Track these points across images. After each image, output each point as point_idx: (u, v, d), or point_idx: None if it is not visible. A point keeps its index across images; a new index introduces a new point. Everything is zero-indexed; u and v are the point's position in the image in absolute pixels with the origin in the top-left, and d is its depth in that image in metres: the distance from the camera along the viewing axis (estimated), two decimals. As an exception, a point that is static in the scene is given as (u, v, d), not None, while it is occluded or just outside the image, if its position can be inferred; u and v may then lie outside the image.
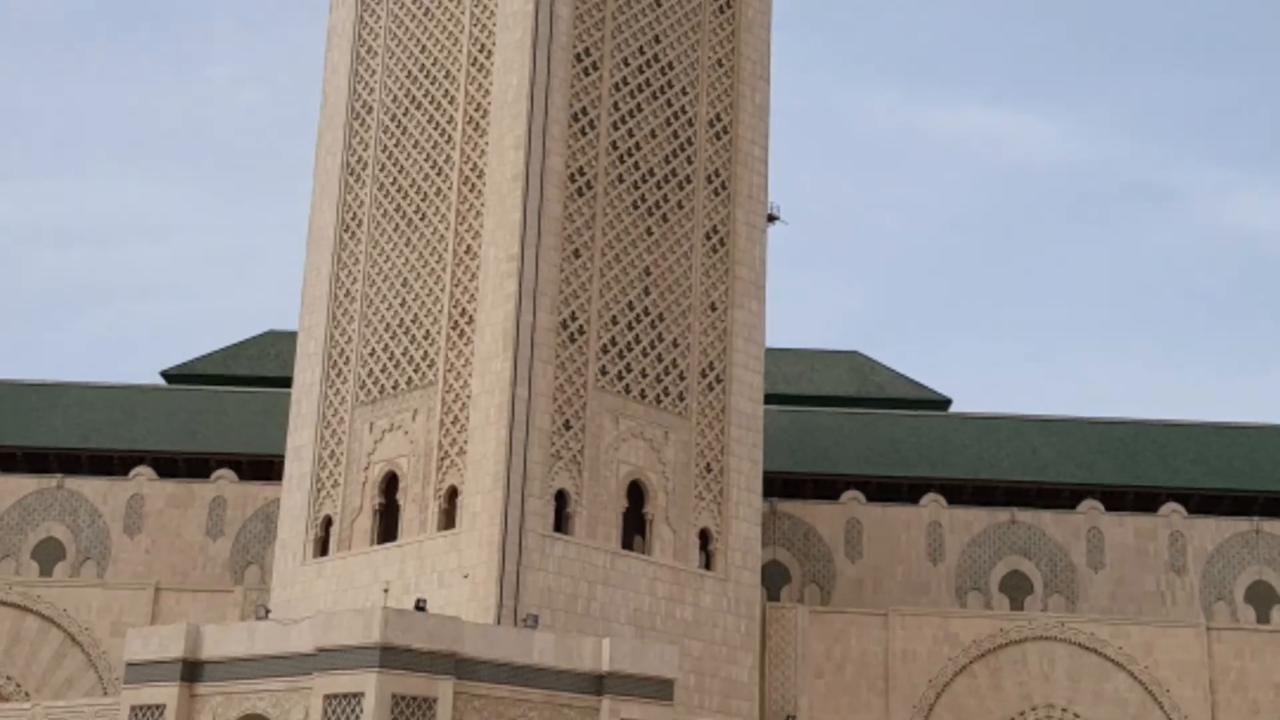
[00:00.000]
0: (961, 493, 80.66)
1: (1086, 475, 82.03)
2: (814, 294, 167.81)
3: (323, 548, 67.06)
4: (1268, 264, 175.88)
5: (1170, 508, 79.74)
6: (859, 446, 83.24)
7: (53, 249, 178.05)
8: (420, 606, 42.32)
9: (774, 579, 76.99)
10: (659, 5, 71.37)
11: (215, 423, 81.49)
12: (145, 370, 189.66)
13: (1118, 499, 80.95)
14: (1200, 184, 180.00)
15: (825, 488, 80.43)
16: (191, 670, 45.37)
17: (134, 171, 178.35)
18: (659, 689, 44.76)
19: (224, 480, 77.56)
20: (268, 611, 49.85)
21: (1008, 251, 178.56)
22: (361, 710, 40.01)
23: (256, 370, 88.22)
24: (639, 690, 44.33)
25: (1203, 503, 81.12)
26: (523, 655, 42.91)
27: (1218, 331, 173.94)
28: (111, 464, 79.22)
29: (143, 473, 77.69)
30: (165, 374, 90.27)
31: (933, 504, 79.29)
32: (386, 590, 46.84)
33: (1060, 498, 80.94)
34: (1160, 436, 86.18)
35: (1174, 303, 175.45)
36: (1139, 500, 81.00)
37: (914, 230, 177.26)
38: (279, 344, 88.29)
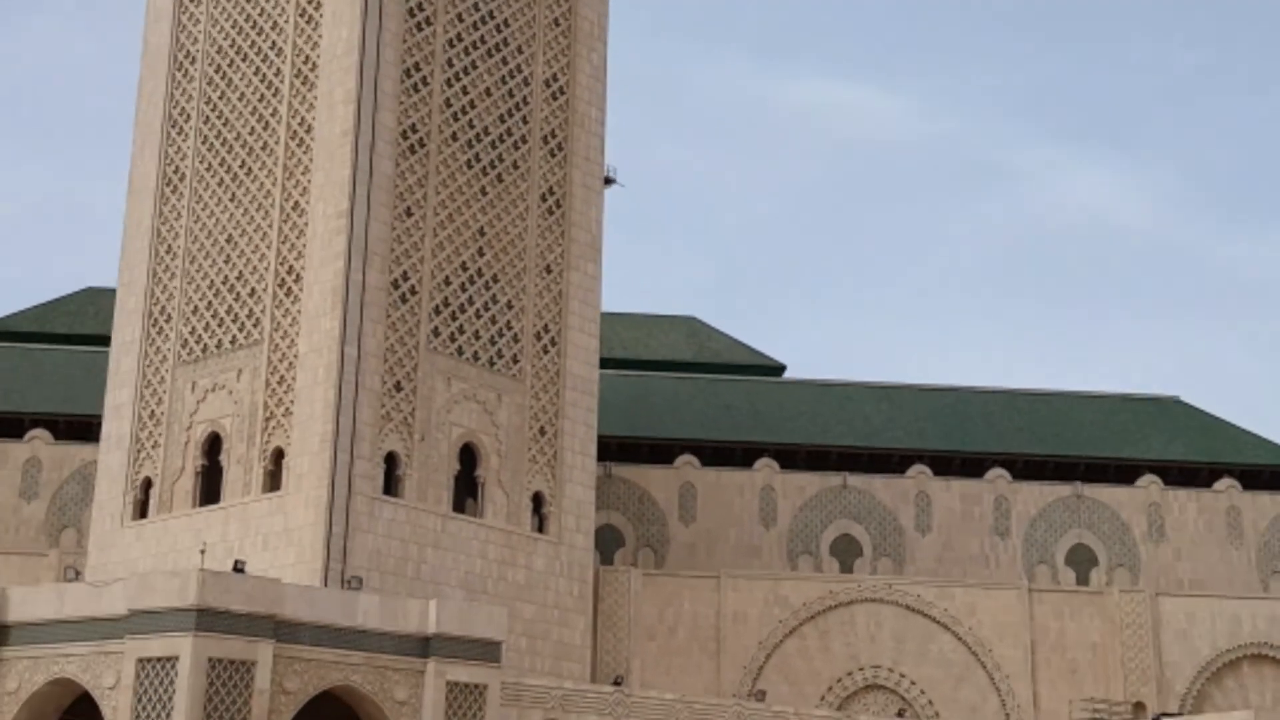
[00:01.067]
0: (795, 458, 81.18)
1: (916, 441, 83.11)
2: (652, 260, 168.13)
3: (142, 510, 65.04)
4: (1096, 239, 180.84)
5: (995, 473, 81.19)
6: (694, 411, 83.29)
7: None
8: (239, 568, 41.00)
9: (608, 542, 76.72)
10: (496, -39, 70.10)
11: (30, 381, 78.48)
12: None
13: (945, 464, 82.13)
14: (1032, 161, 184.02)
15: (660, 452, 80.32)
16: (-3, 633, 43.35)
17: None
18: (486, 651, 44.00)
19: (38, 440, 74.78)
20: (78, 573, 48.03)
21: (846, 225, 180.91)
22: (176, 674, 38.59)
23: (75, 328, 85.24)
24: (466, 652, 43.53)
25: (1027, 468, 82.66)
26: (346, 617, 41.82)
27: (1045, 303, 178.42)
28: (-81, 424, 75.84)
29: (-49, 433, 74.52)
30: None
31: (766, 468, 79.71)
32: (204, 551, 45.28)
33: (890, 463, 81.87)
34: (987, 404, 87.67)
35: (1004, 276, 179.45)
36: (966, 465, 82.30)
37: (754, 201, 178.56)
38: (99, 300, 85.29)
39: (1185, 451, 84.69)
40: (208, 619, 39.08)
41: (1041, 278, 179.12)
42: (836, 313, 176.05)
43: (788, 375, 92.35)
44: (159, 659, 38.99)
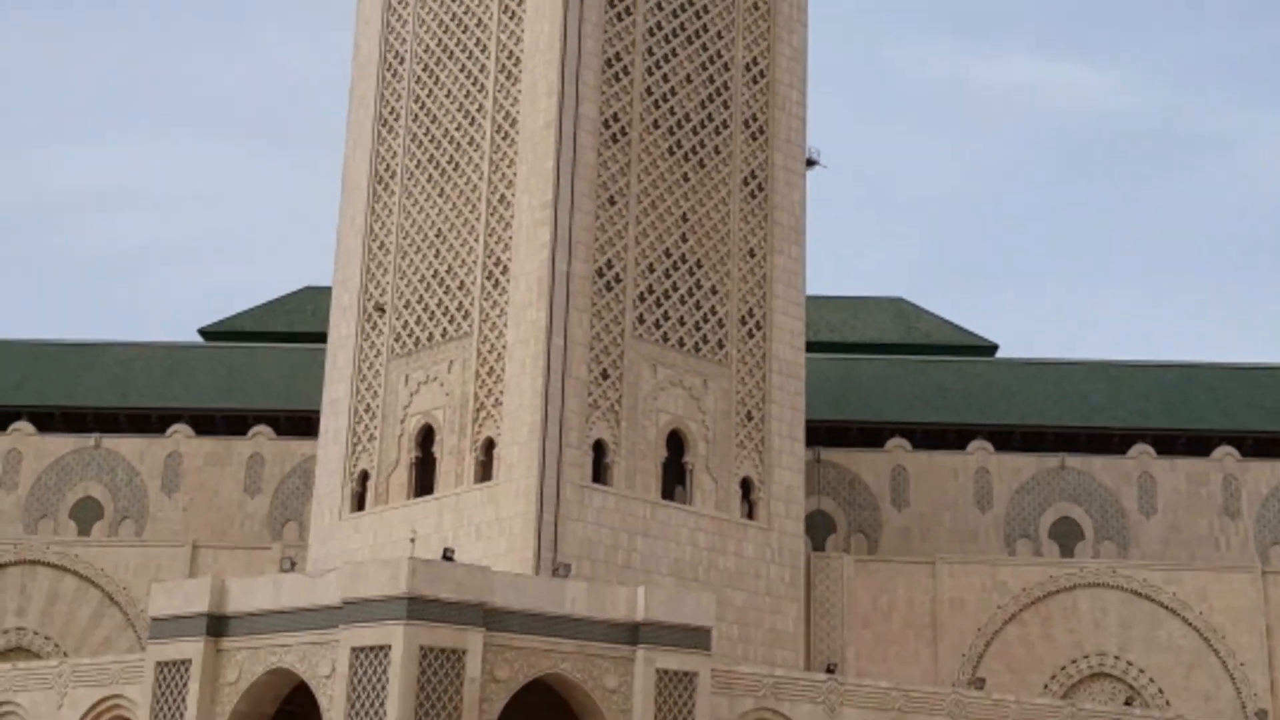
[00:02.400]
0: (1009, 439, 79.13)
1: (1137, 419, 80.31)
2: (858, 242, 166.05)
3: (359, 502, 66.47)
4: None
5: (1223, 451, 77.99)
6: (904, 393, 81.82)
7: (98, 215, 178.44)
8: (448, 556, 41.41)
9: (819, 528, 75.85)
10: (692, -53, 69.73)
11: (252, 379, 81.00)
12: (188, 332, 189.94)
13: (1169, 443, 79.08)
14: (1250, 131, 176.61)
15: (870, 436, 79.10)
16: (216, 624, 44.53)
17: (176, 135, 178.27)
18: (696, 638, 43.66)
19: (261, 437, 77.09)
20: (294, 564, 49.17)
21: (1055, 202, 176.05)
22: (390, 662, 39.17)
23: (294, 326, 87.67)
24: (675, 639, 43.25)
25: (1256, 446, 79.19)
26: (554, 605, 41.90)
27: (1269, 274, 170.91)
28: (149, 422, 78.82)
29: (180, 430, 77.33)
30: (203, 331, 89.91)
31: (980, 450, 77.82)
32: (413, 540, 45.87)
33: (1110, 443, 79.19)
34: (1212, 379, 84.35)
35: (1223, 247, 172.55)
36: (1191, 444, 79.16)
37: (961, 180, 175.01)
38: (316, 300, 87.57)
39: None
40: (419, 607, 39.55)
41: (1263, 248, 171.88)
42: (1049, 290, 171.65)
43: (1000, 354, 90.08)
44: (372, 648, 39.60)
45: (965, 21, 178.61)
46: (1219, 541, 76.53)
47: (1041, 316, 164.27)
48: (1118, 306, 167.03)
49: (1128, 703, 57.20)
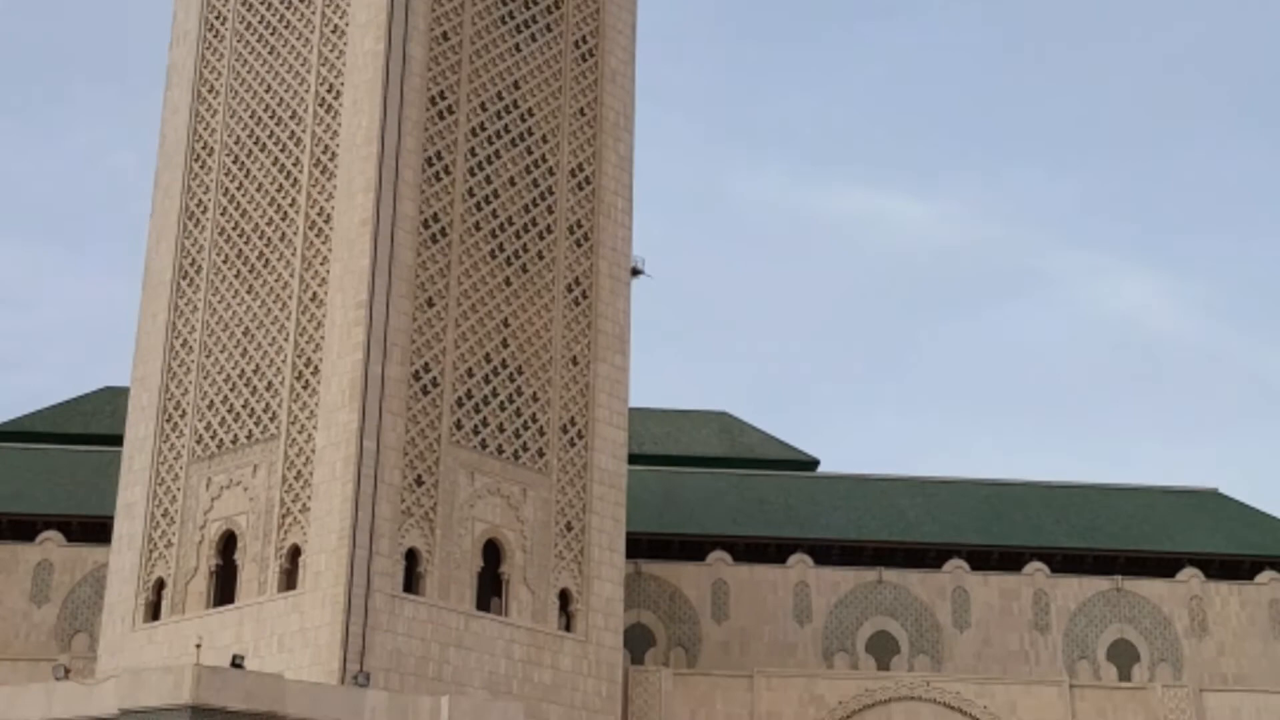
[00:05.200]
0: (829, 553, 78.99)
1: (952, 535, 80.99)
2: (685, 356, 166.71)
3: (155, 612, 62.99)
4: (1129, 343, 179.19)
5: (1034, 566, 79.01)
6: (726, 507, 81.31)
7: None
8: (237, 663, 38.73)
9: (639, 642, 74.33)
10: (518, 50, 69.24)
11: (43, 482, 76.82)
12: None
13: (983, 558, 79.88)
14: (1073, 267, 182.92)
15: (692, 549, 78.13)
16: (-13, 738, 41.09)
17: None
18: (508, 753, 41.66)
19: (50, 543, 72.82)
20: (67, 671, 45.80)
21: (881, 329, 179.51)
22: (177, 779, 36.42)
23: (91, 428, 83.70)
24: (486, 754, 41.20)
25: (1066, 562, 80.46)
26: (353, 715, 39.48)
27: (1082, 403, 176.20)
28: (-69, 527, 74.05)
29: (-37, 537, 72.71)
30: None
31: (800, 564, 77.48)
32: (199, 646, 43.01)
33: (926, 558, 79.62)
34: (1024, 497, 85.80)
35: (1042, 377, 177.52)
36: (1004, 560, 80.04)
37: (789, 303, 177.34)
38: (116, 400, 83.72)
39: (1226, 544, 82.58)
40: (204, 717, 36.83)
41: (1079, 379, 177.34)
42: (871, 410, 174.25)
43: (821, 470, 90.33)
44: (158, 763, 36.81)
45: (803, 152, 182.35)
46: (1029, 655, 77.24)
47: (862, 433, 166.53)
48: (936, 428, 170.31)
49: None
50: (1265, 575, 79.65)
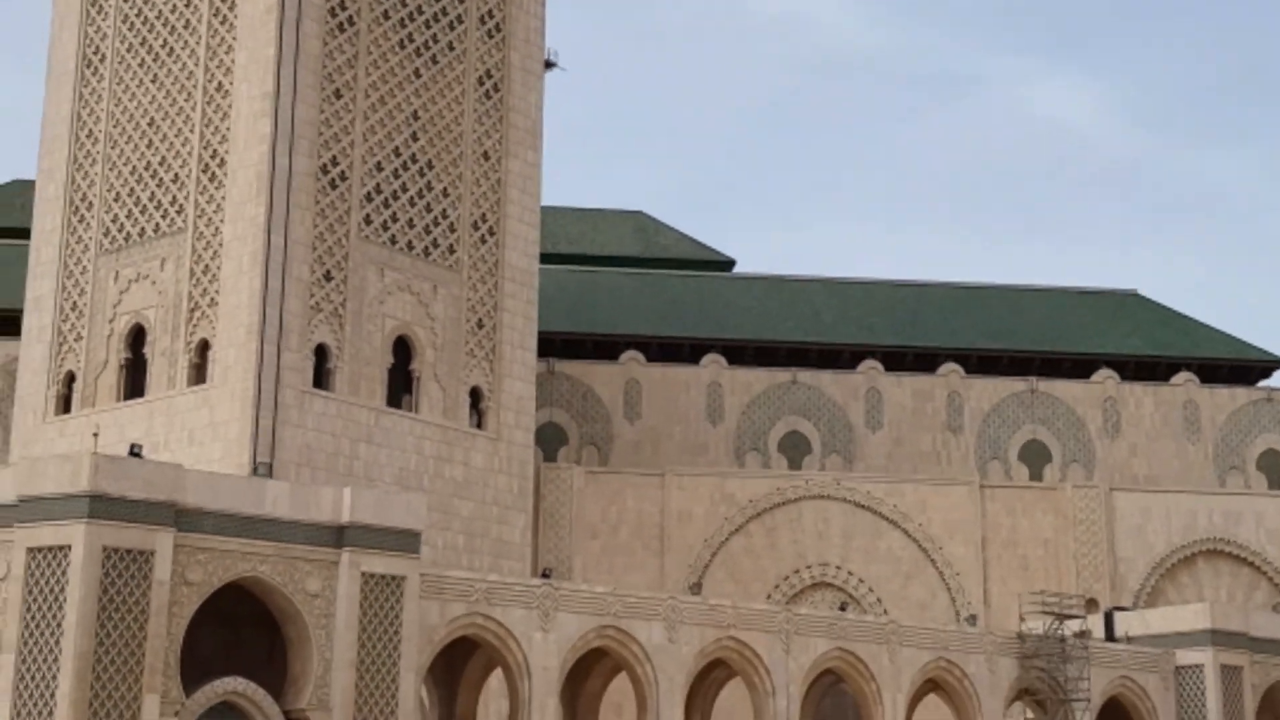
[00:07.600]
0: (743, 354, 79.33)
1: (867, 336, 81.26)
2: (600, 155, 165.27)
3: (66, 405, 62.96)
4: (1051, 147, 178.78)
5: (948, 368, 79.32)
6: (640, 307, 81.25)
7: None
8: (135, 452, 38.94)
9: (551, 440, 74.91)
10: None
11: (-49, 275, 75.78)
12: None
13: (897, 360, 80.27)
14: (1000, 71, 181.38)
15: (605, 348, 78.34)
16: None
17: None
18: (405, 541, 42.13)
19: (-40, 336, 72.21)
20: (-30, 461, 45.94)
21: (805, 131, 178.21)
22: (69, 564, 36.72)
23: (2, 220, 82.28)
24: (383, 542, 41.64)
25: (981, 363, 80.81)
26: (253, 506, 39.81)
27: (1004, 207, 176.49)
28: None
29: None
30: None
31: (713, 365, 77.74)
32: (96, 435, 43.10)
33: (840, 358, 79.98)
34: (940, 298, 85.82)
35: (964, 181, 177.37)
36: (918, 360, 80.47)
37: (710, 104, 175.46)
38: (27, 192, 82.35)
39: (1142, 345, 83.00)
40: (102, 505, 37.07)
41: (1002, 184, 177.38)
42: (789, 211, 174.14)
43: (737, 271, 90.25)
44: (51, 548, 37.03)
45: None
46: (941, 455, 77.92)
47: (780, 235, 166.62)
48: (853, 230, 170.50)
49: (842, 608, 57.95)
50: (1181, 376, 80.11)
